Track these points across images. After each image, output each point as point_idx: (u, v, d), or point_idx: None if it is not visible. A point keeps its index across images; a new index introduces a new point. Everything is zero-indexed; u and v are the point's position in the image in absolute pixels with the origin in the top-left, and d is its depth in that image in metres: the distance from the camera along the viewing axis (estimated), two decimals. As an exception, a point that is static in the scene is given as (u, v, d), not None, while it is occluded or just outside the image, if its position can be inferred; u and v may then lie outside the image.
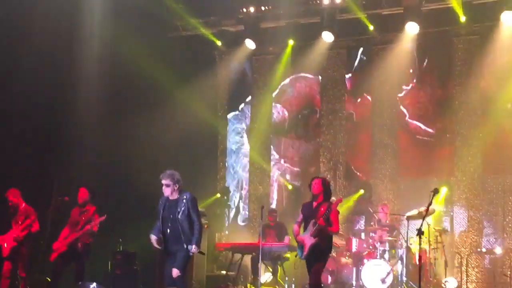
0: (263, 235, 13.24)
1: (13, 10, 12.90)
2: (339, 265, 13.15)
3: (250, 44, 15.45)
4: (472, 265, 13.75)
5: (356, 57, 15.64)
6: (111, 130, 13.64)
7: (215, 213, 15.51)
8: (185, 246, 9.00)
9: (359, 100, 15.54)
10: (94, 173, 12.99)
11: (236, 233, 15.64)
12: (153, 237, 9.17)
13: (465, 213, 14.21)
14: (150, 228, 9.20)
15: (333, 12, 14.64)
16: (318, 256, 9.62)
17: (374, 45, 15.32)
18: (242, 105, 16.52)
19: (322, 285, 9.96)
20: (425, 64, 14.95)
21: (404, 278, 12.40)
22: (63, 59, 13.35)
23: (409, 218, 12.70)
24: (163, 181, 9.10)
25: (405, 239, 12.70)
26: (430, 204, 9.58)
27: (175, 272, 8.94)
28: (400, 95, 15.03)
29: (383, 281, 12.24)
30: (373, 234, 13.09)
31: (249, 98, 16.47)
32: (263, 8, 15.17)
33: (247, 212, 16.07)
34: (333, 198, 10.12)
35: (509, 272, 12.84)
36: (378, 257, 12.61)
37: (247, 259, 13.69)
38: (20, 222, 11.06)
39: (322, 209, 9.61)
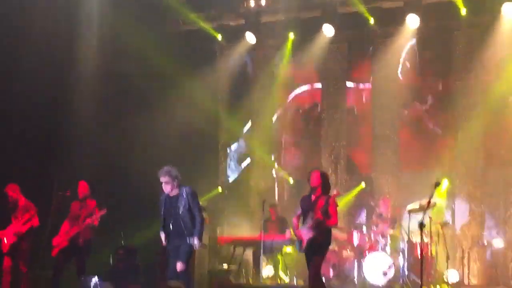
0: (265, 229, 13.25)
1: (13, 10, 12.90)
2: (341, 258, 13.18)
3: (250, 38, 15.44)
4: (474, 258, 13.73)
5: (357, 50, 15.62)
6: (111, 129, 13.64)
7: (216, 207, 15.50)
8: (187, 240, 9.02)
9: (360, 93, 15.53)
10: (94, 173, 12.94)
11: (237, 227, 15.64)
12: (163, 235, 9.22)
13: (467, 206, 14.18)
14: (150, 225, 9.25)
15: (334, 5, 14.67)
16: (316, 250, 9.57)
17: (375, 39, 15.29)
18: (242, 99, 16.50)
19: (323, 278, 9.95)
20: (425, 57, 14.92)
21: (406, 271, 12.40)
22: (63, 59, 13.35)
23: (410, 212, 12.67)
24: (161, 179, 9.11)
25: (407, 232, 12.68)
26: (431, 197, 9.56)
27: (179, 266, 8.97)
28: (401, 88, 14.99)
29: (385, 274, 12.25)
30: (375, 228, 13.09)
31: (250, 92, 16.45)
32: (263, 2, 15.16)
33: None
34: (334, 191, 10.09)
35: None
36: (380, 250, 12.61)
37: (249, 253, 13.71)
38: (20, 217, 11.03)
39: (321, 202, 9.56)
